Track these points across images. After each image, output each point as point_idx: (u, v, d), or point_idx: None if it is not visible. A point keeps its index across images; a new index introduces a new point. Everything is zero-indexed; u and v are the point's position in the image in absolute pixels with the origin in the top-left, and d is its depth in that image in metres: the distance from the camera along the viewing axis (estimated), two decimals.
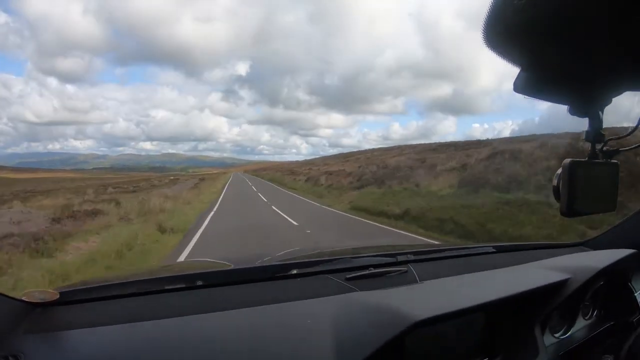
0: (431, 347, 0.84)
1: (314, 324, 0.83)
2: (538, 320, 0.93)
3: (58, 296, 0.81)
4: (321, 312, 0.87)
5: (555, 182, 0.59)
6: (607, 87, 0.52)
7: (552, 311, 0.95)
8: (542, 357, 0.88)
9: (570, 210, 0.57)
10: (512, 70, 0.48)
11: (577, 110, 0.55)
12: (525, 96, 0.51)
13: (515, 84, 0.50)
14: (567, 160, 0.57)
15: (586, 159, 0.59)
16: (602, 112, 0.56)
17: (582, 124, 0.57)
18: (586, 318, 1.10)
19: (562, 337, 1.02)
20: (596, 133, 0.57)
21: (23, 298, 0.79)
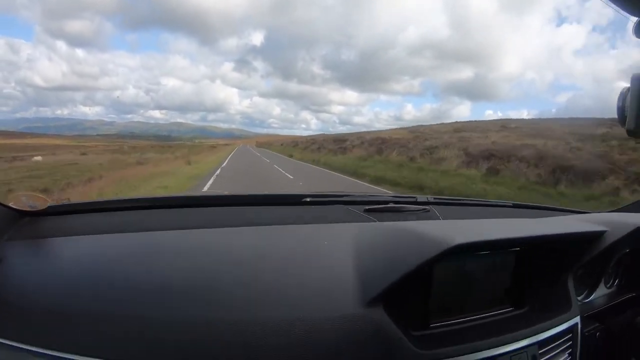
0: (457, 288, 0.75)
1: (332, 245, 0.76)
2: (571, 272, 0.87)
3: (47, 206, 0.77)
4: (339, 235, 0.80)
5: (620, 102, 0.56)
6: None
7: (585, 266, 0.92)
8: (574, 312, 0.82)
9: (639, 128, 0.53)
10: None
11: None
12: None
13: None
14: (637, 73, 0.53)
15: None
16: None
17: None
18: (607, 286, 1.05)
19: (584, 301, 0.98)
20: None
21: (11, 204, 0.74)
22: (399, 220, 0.90)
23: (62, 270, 0.64)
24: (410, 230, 0.72)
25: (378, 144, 19.98)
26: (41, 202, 0.75)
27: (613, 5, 0.47)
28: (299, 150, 32.81)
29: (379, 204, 1.00)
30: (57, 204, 0.81)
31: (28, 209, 0.74)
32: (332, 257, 0.72)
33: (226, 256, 0.70)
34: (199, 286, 0.60)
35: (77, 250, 0.70)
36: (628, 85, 0.54)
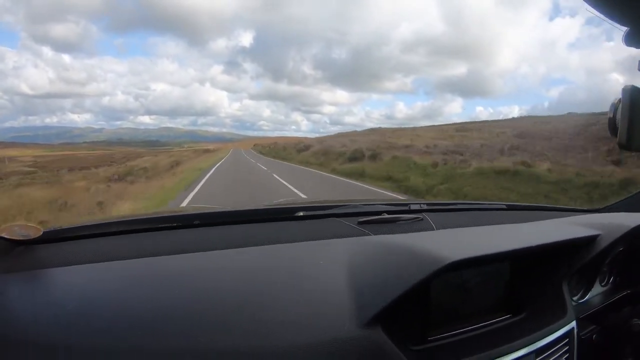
0: (453, 298, 0.76)
1: (328, 265, 0.76)
2: (566, 277, 0.89)
3: (41, 233, 0.75)
4: (334, 253, 0.80)
5: (610, 113, 0.56)
6: None
7: (579, 269, 0.91)
8: (570, 317, 0.84)
9: (630, 141, 0.53)
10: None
11: (637, 33, 0.51)
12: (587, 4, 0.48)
13: None
14: (628, 86, 0.53)
15: None
16: None
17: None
18: (602, 284, 1.06)
19: (580, 301, 0.98)
20: None
21: (3, 235, 0.72)
22: (393, 232, 0.93)
23: (57, 302, 0.62)
24: (405, 246, 0.74)
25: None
26: (34, 231, 0.74)
27: (602, 16, 0.47)
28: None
29: (372, 215, 1.02)
30: (51, 229, 0.80)
31: (21, 238, 0.73)
32: (328, 278, 0.71)
33: (217, 282, 0.70)
34: (187, 316, 0.59)
35: (72, 280, 0.69)
36: (622, 82, 0.52)
